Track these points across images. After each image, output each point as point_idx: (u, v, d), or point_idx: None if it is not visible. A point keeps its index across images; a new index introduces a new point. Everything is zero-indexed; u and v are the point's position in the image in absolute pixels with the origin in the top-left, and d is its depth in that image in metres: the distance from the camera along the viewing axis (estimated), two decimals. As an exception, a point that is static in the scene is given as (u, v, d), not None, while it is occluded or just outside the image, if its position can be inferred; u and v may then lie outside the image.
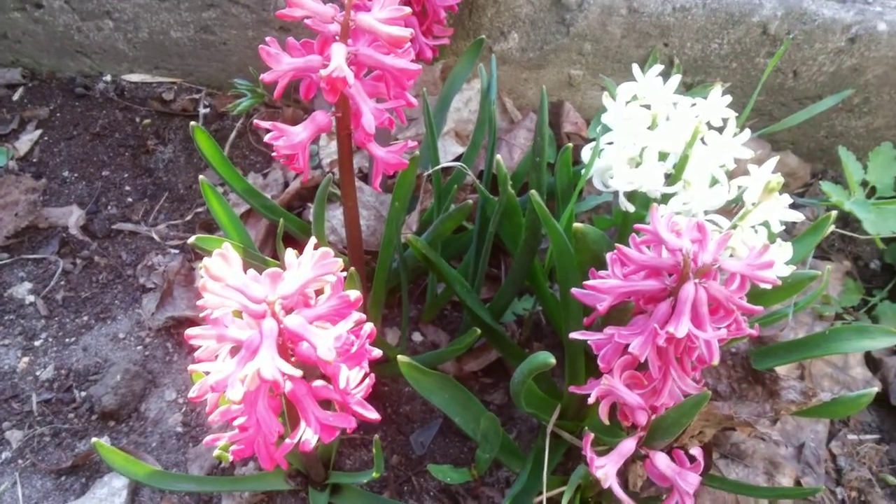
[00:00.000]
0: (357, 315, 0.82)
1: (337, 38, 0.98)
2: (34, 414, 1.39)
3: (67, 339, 1.49)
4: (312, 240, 0.82)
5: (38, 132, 1.74)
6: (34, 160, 1.71)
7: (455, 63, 1.51)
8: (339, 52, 0.95)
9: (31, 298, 1.53)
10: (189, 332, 0.83)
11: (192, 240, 1.08)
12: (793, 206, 1.79)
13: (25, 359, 1.45)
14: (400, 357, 1.08)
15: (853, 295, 1.63)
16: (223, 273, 0.77)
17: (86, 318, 1.52)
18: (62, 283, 1.55)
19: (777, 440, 1.44)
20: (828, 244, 1.71)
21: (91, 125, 1.75)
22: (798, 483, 1.39)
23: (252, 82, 1.63)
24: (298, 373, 0.76)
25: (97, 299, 1.54)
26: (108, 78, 1.81)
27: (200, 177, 1.22)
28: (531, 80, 1.70)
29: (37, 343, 1.48)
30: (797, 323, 1.58)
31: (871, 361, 1.56)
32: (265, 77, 0.99)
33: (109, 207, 1.65)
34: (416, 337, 1.50)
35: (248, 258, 1.26)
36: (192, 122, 1.21)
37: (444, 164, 1.27)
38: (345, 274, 0.86)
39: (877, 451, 1.49)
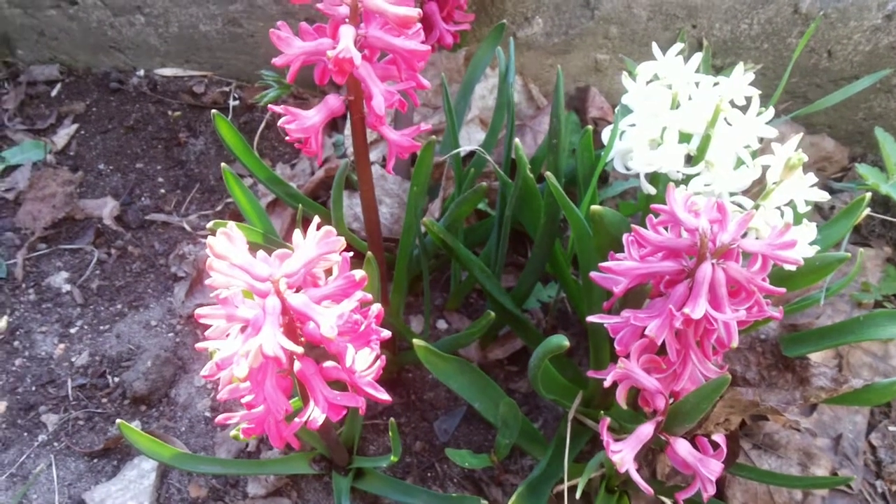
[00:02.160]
0: (360, 294, 0.82)
1: (347, 20, 0.99)
2: (69, 399, 1.43)
3: (102, 327, 1.52)
4: (316, 219, 0.83)
5: (75, 126, 1.79)
6: (71, 153, 1.76)
7: (477, 49, 1.50)
8: (346, 33, 0.95)
9: (68, 287, 1.57)
10: (199, 311, 0.84)
11: (210, 224, 1.10)
12: (829, 190, 1.75)
13: (62, 345, 1.49)
14: (416, 341, 1.07)
15: (894, 283, 1.57)
16: (228, 252, 0.78)
17: (119, 306, 1.55)
18: (97, 272, 1.60)
19: (812, 430, 1.40)
20: (868, 230, 1.65)
21: (125, 119, 1.79)
22: (834, 475, 1.35)
23: (279, 73, 1.65)
24: (300, 349, 0.77)
25: (130, 288, 1.58)
26: (142, 72, 1.85)
27: (223, 164, 1.24)
28: (556, 66, 1.68)
29: (72, 330, 1.52)
30: (835, 311, 1.53)
31: (913, 350, 1.50)
32: (276, 61, 1.00)
33: (143, 199, 1.69)
34: (441, 325, 1.50)
35: (270, 244, 1.27)
36: (214, 111, 1.22)
37: (461, 149, 1.26)
38: (350, 254, 0.86)
39: (918, 443, 1.43)
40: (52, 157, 1.74)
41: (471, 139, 1.56)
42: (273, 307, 0.76)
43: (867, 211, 1.26)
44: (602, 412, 1.04)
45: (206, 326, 1.53)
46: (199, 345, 0.83)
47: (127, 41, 1.82)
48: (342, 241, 0.81)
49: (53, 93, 1.85)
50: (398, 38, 1.00)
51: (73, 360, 1.47)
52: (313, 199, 1.50)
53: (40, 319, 1.53)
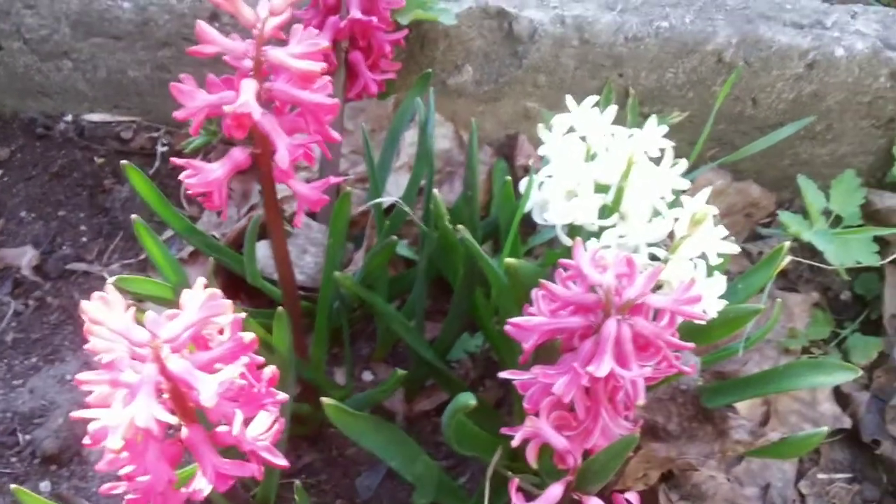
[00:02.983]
0: (247, 359, 0.79)
1: (251, 73, 0.97)
2: (-25, 458, 1.37)
3: (15, 382, 1.47)
4: (201, 280, 0.80)
5: (-2, 172, 1.74)
6: (-8, 201, 1.71)
7: (405, 97, 1.50)
8: (247, 87, 0.94)
9: (-19, 340, 1.51)
10: (79, 376, 0.80)
11: (112, 280, 1.06)
12: (757, 236, 1.76)
13: (-30, 402, 1.43)
14: (324, 399, 1.04)
15: (822, 327, 1.58)
16: (103, 317, 0.75)
17: (35, 359, 1.50)
18: (13, 324, 1.54)
19: (740, 479, 1.39)
20: (795, 275, 1.66)
21: (50, 165, 1.75)
22: (762, 525, 1.33)
23: (207, 120, 1.62)
24: (174, 420, 0.73)
25: (47, 340, 1.52)
26: (69, 118, 1.81)
27: (133, 216, 1.21)
28: (487, 113, 1.69)
29: (-17, 385, 1.46)
30: (763, 357, 1.53)
31: (841, 396, 1.50)
32: (178, 114, 0.99)
33: (64, 247, 1.64)
34: (367, 376, 1.47)
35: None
36: (123, 161, 1.20)
37: (380, 199, 1.25)
38: (243, 315, 0.83)
39: (848, 490, 1.43)
40: (-29, 205, 1.69)
41: (399, 186, 1.55)
42: (148, 375, 0.73)
43: (789, 258, 1.28)
44: (510, 473, 1.02)
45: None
46: (72, 414, 0.80)
47: (55, 86, 1.78)
48: (228, 305, 0.78)
49: (-24, 138, 1.80)
50: (304, 91, 0.99)
51: (-19, 416, 1.41)
52: (236, 249, 1.46)
53: (-50, 374, 1.47)
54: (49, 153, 1.77)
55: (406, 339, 1.22)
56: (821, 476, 1.44)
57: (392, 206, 1.43)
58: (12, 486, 1.05)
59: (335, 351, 1.48)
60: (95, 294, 0.75)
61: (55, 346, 1.51)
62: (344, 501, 1.32)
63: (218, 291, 0.78)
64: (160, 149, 1.76)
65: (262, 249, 1.39)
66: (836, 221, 1.56)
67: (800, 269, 1.67)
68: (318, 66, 0.95)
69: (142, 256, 1.63)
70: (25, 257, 1.61)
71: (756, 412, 1.43)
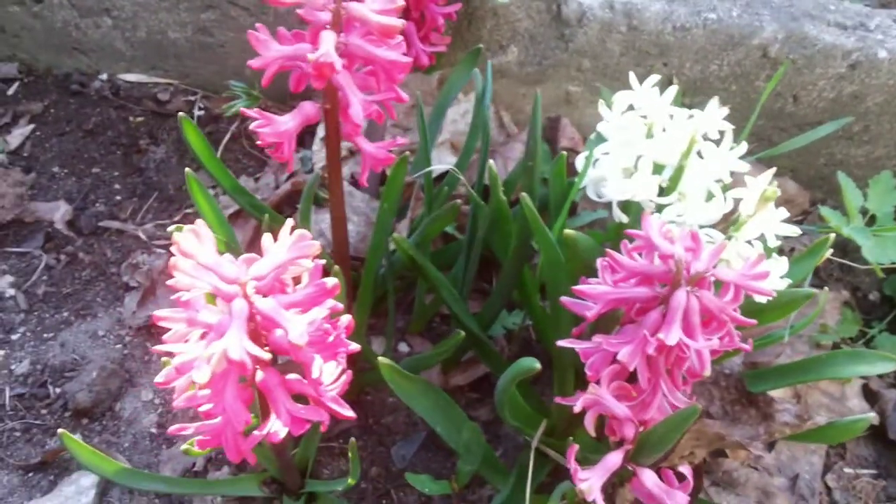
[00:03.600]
0: (332, 303, 0.79)
1: (328, 27, 0.97)
2: (6, 408, 1.35)
3: (45, 335, 1.45)
4: (289, 222, 0.79)
5: (31, 127, 1.72)
6: (25, 154, 1.69)
7: (451, 73, 1.50)
8: (327, 38, 0.93)
9: (12, 292, 1.49)
10: (158, 312, 0.80)
11: (172, 229, 1.05)
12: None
13: (1, 352, 1.42)
14: (381, 359, 1.04)
15: (851, 325, 1.59)
16: (195, 250, 0.74)
17: (66, 314, 1.48)
18: (44, 277, 1.52)
19: (770, 469, 1.40)
20: (826, 273, 1.68)
21: (84, 122, 1.74)
22: (790, 514, 1.34)
23: (247, 84, 1.62)
24: (267, 356, 0.73)
25: (79, 296, 1.51)
26: (105, 76, 1.80)
27: (187, 170, 1.20)
28: (529, 95, 1.69)
29: (14, 337, 1.44)
30: (794, 351, 1.54)
31: (869, 393, 1.52)
32: (253, 63, 0.98)
33: (97, 205, 1.63)
34: (403, 348, 1.47)
35: (231, 253, 1.23)
36: (181, 114, 1.19)
37: (433, 167, 1.25)
38: (323, 262, 0.83)
39: (873, 486, 1.44)
40: (4, 157, 1.67)
41: (441, 162, 1.55)
42: (240, 310, 0.73)
43: (829, 252, 1.29)
44: (570, 439, 1.01)
45: (158, 338, 1.47)
46: (156, 347, 0.79)
47: (92, 43, 1.77)
48: (317, 246, 0.78)
49: (10, 91, 1.78)
50: (380, 48, 0.98)
51: (12, 367, 1.40)
52: (278, 213, 1.46)
53: (-21, 324, 1.45)
54: (83, 110, 1.76)
55: (453, 308, 1.22)
56: (847, 470, 1.45)
57: (435, 180, 1.43)
58: (60, 430, 1.04)
59: (370, 321, 1.48)
60: (187, 227, 0.74)
61: (87, 302, 1.50)
62: (379, 469, 1.31)
63: (306, 232, 0.78)
64: (197, 112, 1.75)
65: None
66: (871, 221, 1.57)
67: (830, 268, 1.68)
68: (399, 21, 0.95)
69: (176, 218, 1.62)
70: (59, 212, 1.59)
71: (787, 401, 1.44)
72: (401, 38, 1.00)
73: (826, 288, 1.21)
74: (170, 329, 0.81)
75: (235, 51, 1.71)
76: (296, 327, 0.74)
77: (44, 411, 1.36)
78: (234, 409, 0.78)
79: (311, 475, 1.23)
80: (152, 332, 1.45)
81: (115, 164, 1.69)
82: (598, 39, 1.59)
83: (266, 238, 0.81)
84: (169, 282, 0.77)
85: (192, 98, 1.78)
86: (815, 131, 1.60)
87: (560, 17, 1.58)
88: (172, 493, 1.25)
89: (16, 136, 1.70)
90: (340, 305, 0.82)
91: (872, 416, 1.10)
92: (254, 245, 1.49)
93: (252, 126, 0.99)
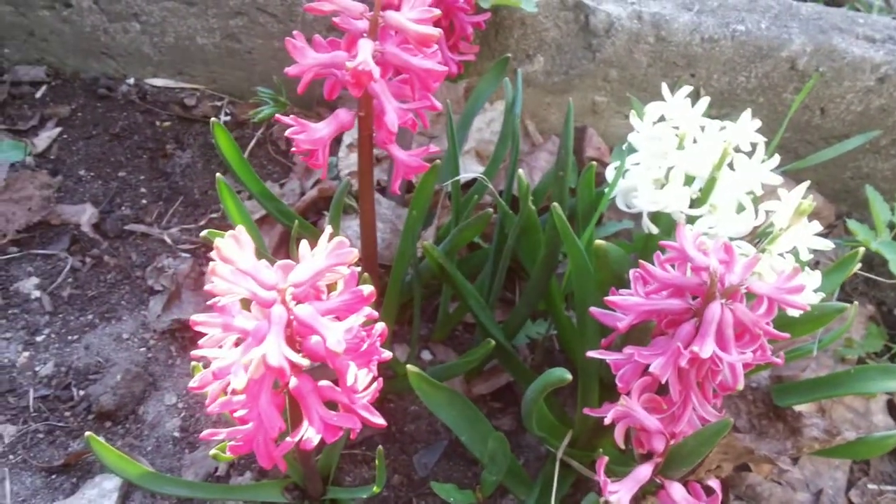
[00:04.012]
0: (368, 310, 0.79)
1: (365, 35, 0.97)
2: (30, 410, 1.35)
3: (70, 337, 1.46)
4: (328, 229, 0.80)
5: (58, 130, 1.73)
6: (51, 157, 1.70)
7: (479, 82, 1.50)
8: (366, 46, 0.93)
9: (37, 294, 1.50)
10: (195, 317, 0.80)
11: (204, 233, 1.06)
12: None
13: (26, 353, 1.42)
14: (409, 367, 1.04)
15: (876, 340, 1.58)
16: (234, 255, 0.74)
17: (90, 316, 1.49)
18: (69, 280, 1.53)
19: (793, 484, 1.39)
20: (851, 287, 1.67)
21: (111, 126, 1.75)
22: (815, 530, 1.33)
23: (275, 90, 1.63)
24: (305, 362, 0.73)
25: (103, 298, 1.51)
26: (132, 81, 1.81)
27: (217, 175, 1.21)
28: (554, 105, 1.69)
29: (39, 339, 1.45)
30: (819, 365, 1.53)
31: (894, 409, 1.51)
32: (290, 70, 0.98)
33: (123, 208, 1.64)
34: (426, 355, 1.46)
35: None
36: (213, 119, 1.19)
37: (462, 176, 1.25)
38: (359, 268, 0.83)
39: (897, 502, 1.43)
40: (31, 160, 1.68)
41: (467, 171, 1.55)
42: (279, 316, 0.73)
43: (857, 266, 1.28)
44: (600, 451, 1.01)
45: (182, 342, 1.48)
46: (194, 352, 0.79)
47: (120, 48, 1.78)
48: (355, 253, 0.78)
49: (38, 94, 1.79)
50: (415, 56, 0.99)
51: (37, 369, 1.40)
52: (304, 219, 1.46)
53: (5, 325, 1.46)
54: (110, 114, 1.77)
55: (479, 317, 1.22)
56: (871, 486, 1.44)
57: (462, 188, 1.43)
58: (87, 433, 1.04)
59: (394, 328, 1.47)
60: (229, 232, 0.74)
61: (111, 305, 1.50)
62: (401, 477, 1.31)
63: (344, 239, 0.78)
64: (223, 118, 1.76)
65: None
66: (897, 236, 1.56)
67: (855, 282, 1.67)
68: (436, 30, 0.95)
69: (202, 222, 1.62)
70: (85, 215, 1.60)
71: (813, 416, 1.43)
72: (436, 47, 1.01)
73: (855, 302, 1.20)
74: (199, 334, 0.81)
75: (263, 57, 1.72)
76: (334, 334, 0.74)
77: (67, 414, 1.36)
78: (268, 415, 0.78)
79: (333, 482, 1.23)
80: (176, 335, 1.46)
81: (141, 167, 1.70)
82: (625, 50, 1.59)
83: (303, 245, 0.82)
84: (206, 286, 0.77)
85: (219, 103, 1.79)
86: (842, 144, 1.60)
87: (588, 28, 1.58)
88: (195, 497, 1.25)
89: (43, 139, 1.71)
90: (375, 313, 0.82)
91: (903, 434, 1.09)
92: (280, 250, 1.50)
93: (288, 132, 1.00)
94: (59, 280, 1.53)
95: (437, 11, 0.98)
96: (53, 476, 1.29)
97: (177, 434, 1.35)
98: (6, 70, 1.82)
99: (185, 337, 1.45)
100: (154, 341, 1.46)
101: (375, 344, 0.83)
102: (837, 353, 1.53)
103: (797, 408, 1.37)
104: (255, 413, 0.79)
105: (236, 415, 0.79)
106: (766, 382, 1.22)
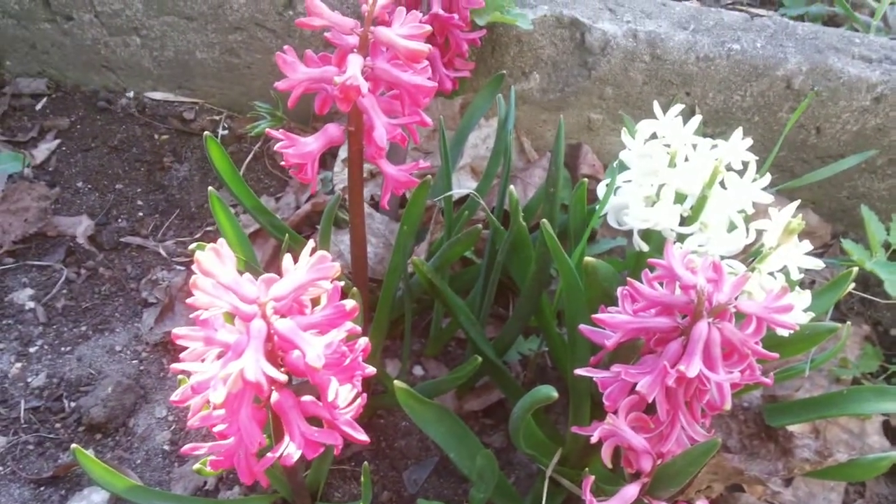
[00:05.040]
0: (350, 325, 0.79)
1: (355, 50, 0.98)
2: (20, 421, 1.35)
3: (63, 348, 1.46)
4: (310, 243, 0.80)
5: (57, 142, 1.74)
6: (50, 169, 1.71)
7: (474, 98, 1.50)
8: (354, 61, 0.94)
9: (31, 305, 1.51)
10: (176, 330, 0.80)
11: (193, 246, 1.06)
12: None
13: (18, 364, 1.42)
14: (397, 382, 1.03)
15: (871, 360, 1.57)
16: (215, 269, 0.74)
17: (84, 328, 1.49)
18: (64, 291, 1.53)
19: (787, 506, 1.37)
20: (846, 307, 1.66)
21: (109, 139, 1.76)
22: (808, 553, 1.31)
23: (272, 105, 1.63)
24: (283, 378, 0.73)
25: (97, 310, 1.52)
26: (131, 94, 1.82)
27: (210, 188, 1.21)
28: (550, 122, 1.69)
29: (31, 350, 1.45)
30: (813, 385, 1.52)
31: (890, 430, 1.49)
32: (279, 85, 0.98)
33: (119, 220, 1.64)
34: (418, 371, 1.46)
35: (250, 272, 1.23)
36: (206, 133, 1.20)
37: (454, 192, 1.25)
38: (342, 283, 0.83)
39: (893, 526, 1.41)
40: (29, 171, 1.69)
41: (461, 187, 1.55)
42: (258, 330, 0.73)
43: (852, 286, 1.27)
44: (586, 470, 1.00)
45: (174, 354, 1.47)
46: (174, 366, 0.79)
47: (120, 61, 1.79)
48: (336, 267, 0.78)
49: (38, 106, 1.81)
50: (405, 72, 0.99)
51: (29, 380, 1.40)
52: (297, 233, 1.46)
53: (-2, 336, 1.46)
54: (109, 127, 1.78)
55: (469, 333, 1.22)
56: (866, 509, 1.42)
57: (455, 204, 1.43)
58: (73, 446, 1.04)
59: (385, 343, 1.47)
60: (209, 245, 0.74)
61: (105, 317, 1.51)
62: (390, 493, 1.30)
63: (326, 254, 0.78)
64: (221, 132, 1.77)
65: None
66: (893, 256, 1.55)
67: (851, 302, 1.66)
68: (425, 46, 0.96)
69: (197, 235, 1.63)
70: (81, 226, 1.61)
71: (806, 436, 1.42)
72: (426, 62, 1.01)
73: (848, 322, 1.20)
74: (187, 347, 0.81)
75: (261, 72, 1.73)
76: (313, 349, 0.73)
77: (58, 425, 1.36)
78: (248, 430, 0.77)
79: (321, 498, 1.22)
80: (169, 348, 1.46)
81: (139, 180, 1.70)
82: (620, 68, 1.59)
83: (286, 259, 0.81)
84: (188, 300, 0.77)
85: (217, 117, 1.80)
86: (837, 164, 1.59)
87: (583, 46, 1.59)
88: (183, 511, 1.25)
89: (42, 151, 1.72)
90: (358, 328, 0.82)
91: (895, 456, 1.08)
92: (273, 264, 1.50)
93: (276, 147, 1.00)
94: (54, 291, 1.53)
95: (428, 28, 0.99)
96: (42, 488, 1.28)
97: (166, 447, 1.35)
98: (7, 82, 1.84)
99: (177, 350, 1.45)
100: (146, 354, 1.46)
101: (358, 359, 0.82)
102: (832, 373, 1.52)
103: (790, 428, 1.35)
104: (235, 428, 0.78)
105: (216, 429, 0.79)
106: (758, 402, 1.21)
